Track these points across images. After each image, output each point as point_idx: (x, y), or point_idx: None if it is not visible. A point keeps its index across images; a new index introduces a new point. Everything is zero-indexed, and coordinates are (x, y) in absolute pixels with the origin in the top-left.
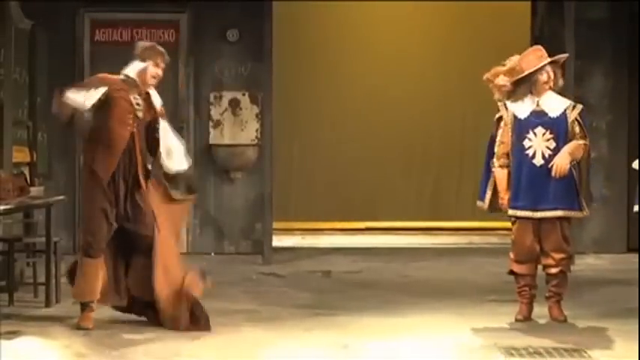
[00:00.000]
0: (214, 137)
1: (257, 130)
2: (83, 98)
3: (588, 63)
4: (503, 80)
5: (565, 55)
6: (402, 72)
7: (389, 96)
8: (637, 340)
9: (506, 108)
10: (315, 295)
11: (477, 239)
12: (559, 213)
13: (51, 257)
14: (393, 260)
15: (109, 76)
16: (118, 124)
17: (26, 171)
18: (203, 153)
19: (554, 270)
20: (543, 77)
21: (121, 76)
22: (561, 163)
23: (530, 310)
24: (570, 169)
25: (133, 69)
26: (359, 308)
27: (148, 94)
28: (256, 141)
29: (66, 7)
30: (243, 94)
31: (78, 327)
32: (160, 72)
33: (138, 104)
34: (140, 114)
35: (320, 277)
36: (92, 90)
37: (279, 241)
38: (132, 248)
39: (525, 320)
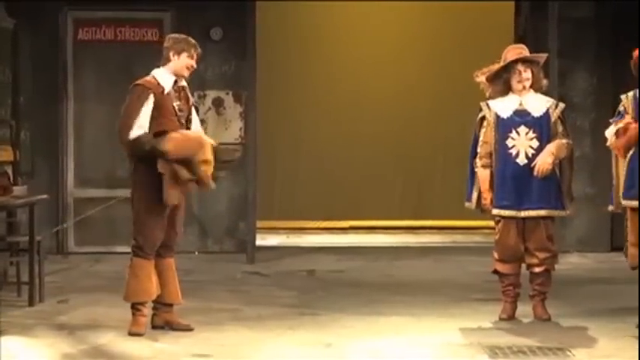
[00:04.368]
0: None
1: (241, 129)
2: (141, 129)
3: (572, 62)
4: (479, 79)
5: (540, 55)
6: (387, 72)
7: (373, 95)
8: (620, 338)
9: (489, 108)
10: (299, 294)
11: (460, 238)
12: (543, 212)
13: (34, 256)
14: (377, 259)
15: (147, 83)
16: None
17: (9, 170)
18: None
19: (538, 269)
20: (515, 75)
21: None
22: (543, 162)
23: (515, 309)
24: (553, 168)
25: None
26: (343, 307)
27: (182, 87)
28: (240, 140)
29: (49, 6)
30: (227, 93)
31: (130, 333)
32: (194, 63)
33: (181, 110)
34: (183, 120)
35: (304, 276)
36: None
37: (263, 240)
38: None
39: (509, 319)
